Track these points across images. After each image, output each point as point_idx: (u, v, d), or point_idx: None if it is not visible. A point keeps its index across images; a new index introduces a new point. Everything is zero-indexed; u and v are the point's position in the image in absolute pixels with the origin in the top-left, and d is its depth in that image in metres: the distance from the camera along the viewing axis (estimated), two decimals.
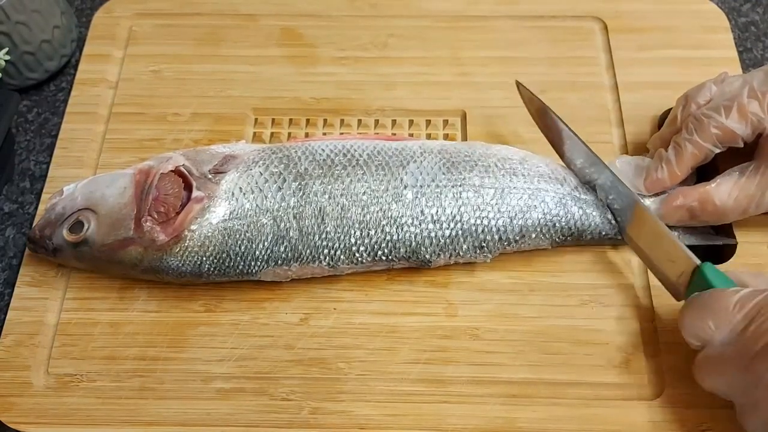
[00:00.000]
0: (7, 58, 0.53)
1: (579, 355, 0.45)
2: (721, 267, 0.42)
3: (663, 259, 0.44)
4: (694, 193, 0.45)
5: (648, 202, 0.47)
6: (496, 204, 0.46)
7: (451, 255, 0.46)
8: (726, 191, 0.44)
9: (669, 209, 0.46)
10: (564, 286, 0.47)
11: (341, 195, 0.45)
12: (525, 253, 0.48)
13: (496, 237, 0.46)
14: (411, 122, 0.54)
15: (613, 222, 0.47)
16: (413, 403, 0.44)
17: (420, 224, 0.45)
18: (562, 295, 0.47)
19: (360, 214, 0.45)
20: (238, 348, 0.46)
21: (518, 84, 0.50)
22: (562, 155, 0.49)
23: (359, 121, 0.55)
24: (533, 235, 0.46)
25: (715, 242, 0.48)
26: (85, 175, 0.51)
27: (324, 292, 0.47)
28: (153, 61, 0.57)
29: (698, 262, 0.41)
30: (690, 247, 0.43)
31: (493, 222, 0.46)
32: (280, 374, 0.45)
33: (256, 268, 0.45)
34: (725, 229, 0.48)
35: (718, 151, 0.45)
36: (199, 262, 0.45)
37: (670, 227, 0.46)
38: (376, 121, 0.54)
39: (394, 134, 0.53)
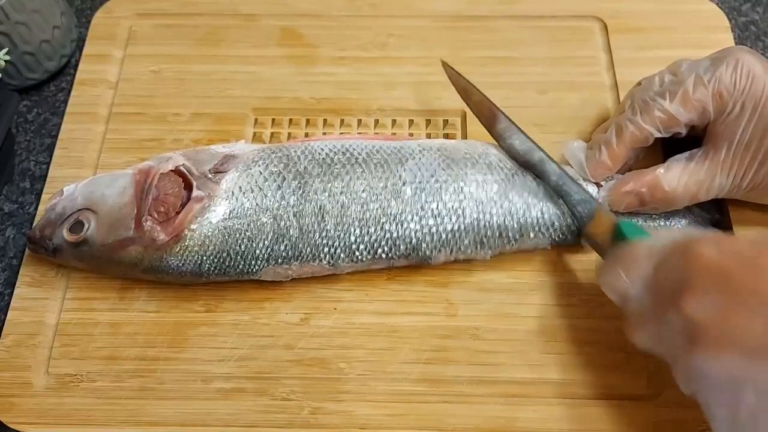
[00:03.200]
0: (7, 58, 0.53)
1: (579, 355, 0.45)
2: None
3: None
4: (643, 178, 0.45)
5: (593, 188, 0.47)
6: (498, 200, 0.46)
7: (451, 251, 0.46)
8: (675, 177, 0.44)
9: (618, 195, 0.46)
10: (564, 286, 0.47)
11: (341, 193, 0.45)
12: (525, 252, 0.48)
13: (497, 233, 0.46)
14: (411, 122, 0.54)
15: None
16: (413, 403, 0.44)
17: (420, 220, 0.45)
18: (562, 295, 0.47)
19: (359, 211, 0.45)
20: (238, 348, 0.46)
21: (443, 63, 0.50)
22: (497, 138, 0.49)
23: (359, 120, 0.55)
24: (531, 234, 0.46)
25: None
26: (85, 176, 0.51)
27: (324, 292, 0.47)
28: (153, 61, 0.57)
29: (616, 219, 0.42)
30: None
31: (495, 218, 0.46)
32: (280, 374, 0.45)
33: (257, 267, 0.45)
34: (724, 226, 0.48)
35: (658, 135, 0.45)
36: (199, 262, 0.45)
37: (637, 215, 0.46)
38: (376, 121, 0.54)
39: (394, 134, 0.53)
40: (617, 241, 0.42)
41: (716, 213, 0.49)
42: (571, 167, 0.48)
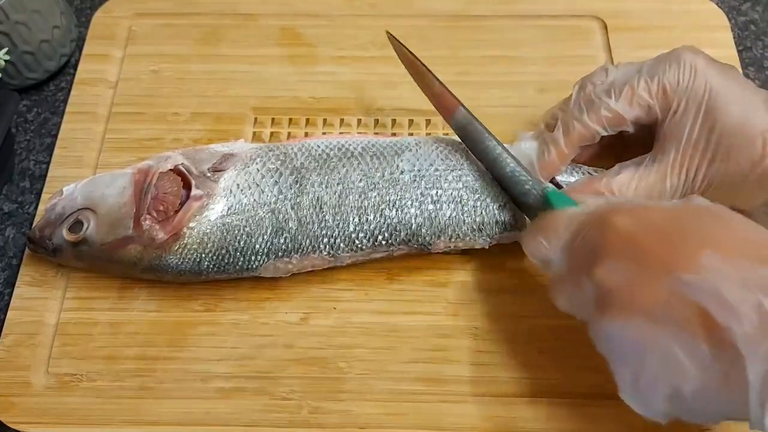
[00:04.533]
0: (7, 58, 0.53)
1: (579, 355, 0.45)
2: None
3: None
4: (593, 185, 0.45)
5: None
6: (495, 187, 0.46)
7: (450, 237, 0.46)
8: (626, 181, 0.44)
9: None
10: None
11: (338, 183, 0.46)
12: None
13: (494, 220, 0.46)
14: (411, 122, 0.54)
15: None
16: (413, 402, 0.44)
17: (420, 205, 0.45)
18: None
19: (357, 200, 0.45)
20: (237, 347, 0.46)
21: (389, 35, 0.49)
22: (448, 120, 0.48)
23: (359, 120, 0.55)
24: (528, 221, 0.46)
25: None
26: (85, 175, 0.51)
27: (324, 291, 0.47)
28: (153, 61, 0.57)
29: (546, 189, 0.43)
30: None
31: (492, 205, 0.46)
32: (280, 374, 0.45)
33: (256, 263, 0.45)
34: None
35: (605, 133, 0.45)
36: (198, 260, 0.45)
37: None
38: (376, 121, 0.54)
39: (394, 134, 0.53)
40: (545, 210, 0.42)
41: None
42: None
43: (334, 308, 0.47)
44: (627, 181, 0.44)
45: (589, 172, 0.48)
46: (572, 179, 0.47)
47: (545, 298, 0.46)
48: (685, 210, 0.37)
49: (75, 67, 0.58)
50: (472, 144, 0.47)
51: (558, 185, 0.47)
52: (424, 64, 0.48)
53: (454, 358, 0.45)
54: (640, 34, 0.57)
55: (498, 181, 0.46)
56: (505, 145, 0.46)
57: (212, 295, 0.47)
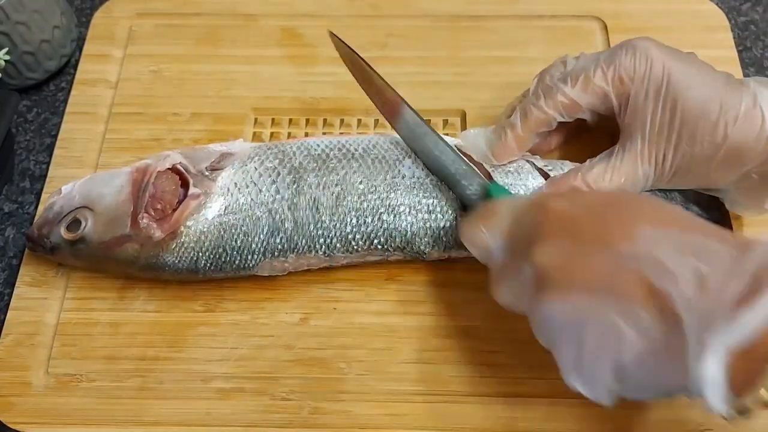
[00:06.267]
0: (7, 58, 0.53)
1: None
2: None
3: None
4: (568, 179, 0.45)
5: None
6: None
7: (445, 247, 0.46)
8: (599, 175, 0.44)
9: None
10: None
11: (336, 185, 0.46)
12: None
13: None
14: None
15: None
16: (413, 402, 0.44)
17: (417, 214, 0.45)
18: None
19: (357, 201, 0.45)
20: (237, 348, 0.46)
21: (330, 33, 0.48)
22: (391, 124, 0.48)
23: (359, 120, 0.55)
24: None
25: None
26: (85, 175, 0.51)
27: (324, 291, 0.47)
28: (152, 61, 0.57)
29: (488, 183, 0.44)
30: None
31: None
32: (280, 374, 0.45)
33: (253, 261, 0.45)
34: (724, 226, 0.48)
35: (561, 119, 0.45)
36: (195, 258, 0.45)
37: None
38: (376, 121, 0.54)
39: (463, 131, 0.53)
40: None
41: (716, 213, 0.49)
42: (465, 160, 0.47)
43: (334, 308, 0.47)
44: (601, 174, 0.44)
45: (533, 162, 0.48)
46: (520, 175, 0.47)
47: None
48: (619, 194, 0.39)
49: (75, 67, 0.58)
50: (414, 143, 0.47)
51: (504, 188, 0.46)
52: (369, 65, 0.47)
53: (454, 359, 0.45)
54: (640, 35, 0.56)
55: (443, 180, 0.46)
56: (455, 135, 0.47)
57: (212, 295, 0.47)
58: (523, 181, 0.47)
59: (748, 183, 0.44)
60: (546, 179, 0.47)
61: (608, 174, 0.44)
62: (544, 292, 0.35)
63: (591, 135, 0.48)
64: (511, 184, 0.46)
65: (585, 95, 0.44)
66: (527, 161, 0.48)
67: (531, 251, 0.36)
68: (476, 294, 0.47)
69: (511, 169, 0.47)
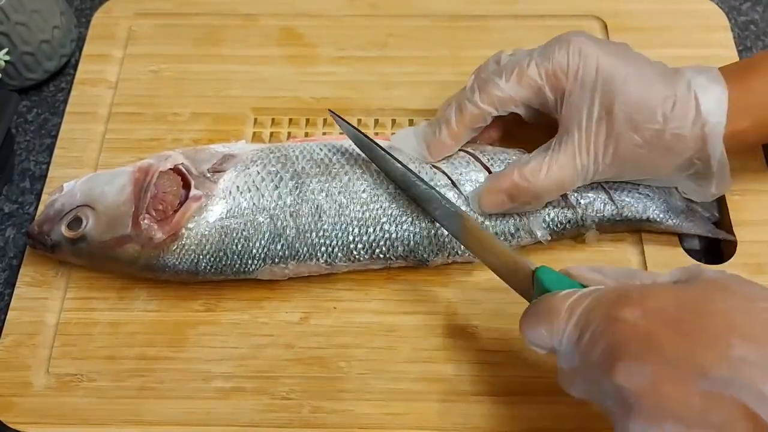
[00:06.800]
0: (7, 58, 0.53)
1: None
2: (720, 267, 0.42)
3: (502, 268, 0.42)
4: (509, 175, 0.45)
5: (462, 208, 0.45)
6: None
7: (449, 254, 0.46)
8: (537, 168, 0.44)
9: (486, 197, 0.45)
10: None
11: (339, 193, 0.45)
12: (524, 250, 0.48)
13: (492, 233, 0.46)
14: (411, 122, 0.54)
15: (613, 203, 0.46)
16: (413, 402, 0.44)
17: (420, 222, 0.45)
18: None
19: (359, 211, 0.45)
20: (238, 347, 0.46)
21: (330, 112, 0.47)
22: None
23: (359, 120, 0.55)
24: (524, 234, 0.46)
25: (716, 235, 0.48)
26: (85, 175, 0.51)
27: (324, 291, 0.47)
28: (152, 61, 0.57)
29: (533, 266, 0.40)
30: (689, 238, 0.42)
31: (490, 223, 0.46)
32: (280, 373, 0.45)
33: (253, 266, 0.45)
34: (724, 226, 0.48)
35: (496, 113, 0.45)
36: (195, 261, 0.45)
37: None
38: (376, 121, 0.54)
39: (393, 134, 0.53)
40: (539, 290, 0.39)
41: (716, 212, 0.49)
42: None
43: (334, 308, 0.47)
44: (538, 167, 0.44)
45: (473, 155, 0.48)
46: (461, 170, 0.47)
47: None
48: (696, 291, 0.34)
49: (75, 68, 0.58)
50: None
51: (455, 183, 0.46)
52: (368, 136, 0.46)
53: (454, 358, 0.45)
54: (640, 34, 0.57)
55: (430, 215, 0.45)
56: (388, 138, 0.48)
57: (212, 295, 0.47)
58: (466, 175, 0.47)
59: (694, 169, 0.44)
60: (489, 173, 0.47)
61: (545, 167, 0.44)
62: (631, 416, 0.32)
63: (529, 128, 0.48)
64: (458, 179, 0.46)
65: (519, 88, 0.44)
66: (468, 153, 0.48)
67: (611, 371, 0.33)
68: (476, 294, 0.47)
69: (455, 162, 0.47)
